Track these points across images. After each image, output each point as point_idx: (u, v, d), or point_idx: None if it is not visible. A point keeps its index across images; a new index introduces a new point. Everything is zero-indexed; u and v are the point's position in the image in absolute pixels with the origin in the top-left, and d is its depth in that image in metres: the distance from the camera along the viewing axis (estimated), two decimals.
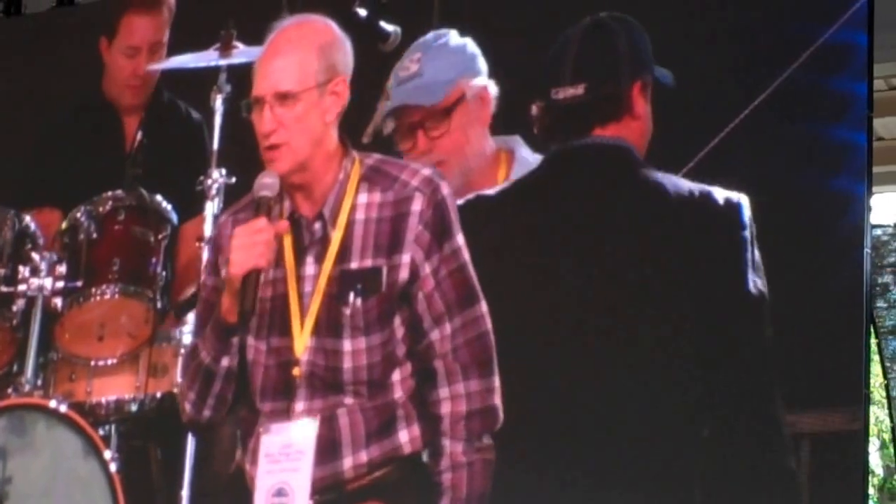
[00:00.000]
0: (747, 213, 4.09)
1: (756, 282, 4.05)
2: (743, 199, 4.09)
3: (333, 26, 3.43)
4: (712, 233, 4.14)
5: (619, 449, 4.08)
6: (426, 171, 3.35)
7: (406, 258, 3.30)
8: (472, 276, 3.38)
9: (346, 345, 3.28)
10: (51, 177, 5.38)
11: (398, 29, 4.61)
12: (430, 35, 4.37)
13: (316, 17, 3.46)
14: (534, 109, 4.31)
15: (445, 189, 3.34)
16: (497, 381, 3.38)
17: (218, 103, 4.87)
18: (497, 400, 3.37)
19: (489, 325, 3.39)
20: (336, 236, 3.31)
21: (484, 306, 3.39)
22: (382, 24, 4.62)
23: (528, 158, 4.29)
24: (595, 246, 4.23)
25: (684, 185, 4.16)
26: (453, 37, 4.31)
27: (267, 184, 3.29)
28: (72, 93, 5.46)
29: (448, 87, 4.18)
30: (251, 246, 3.20)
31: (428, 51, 3.48)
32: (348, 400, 3.30)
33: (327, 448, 3.24)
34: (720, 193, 4.11)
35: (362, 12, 4.62)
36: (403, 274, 3.29)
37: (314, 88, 3.30)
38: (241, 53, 4.90)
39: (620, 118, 4.25)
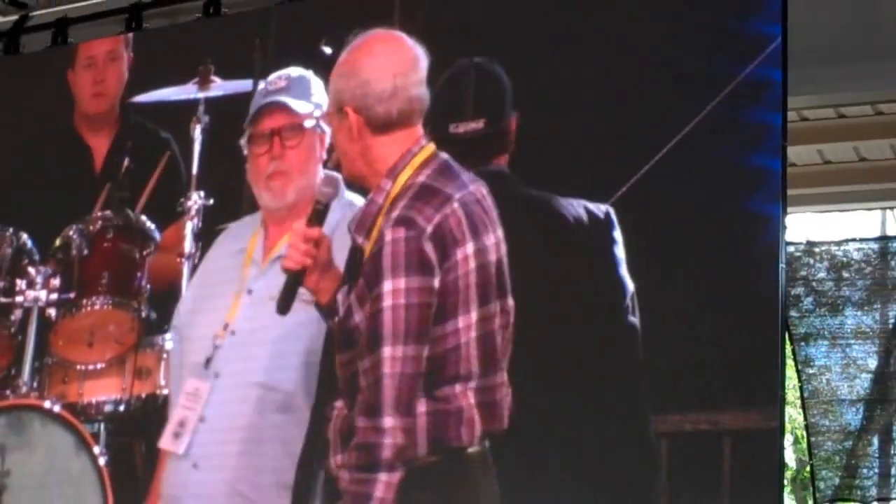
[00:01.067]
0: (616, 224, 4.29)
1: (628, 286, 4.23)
2: (611, 210, 4.28)
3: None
4: (593, 241, 4.32)
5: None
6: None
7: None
8: (387, 323, 3.36)
9: None
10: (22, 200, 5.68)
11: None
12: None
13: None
14: None
15: (387, 236, 3.38)
16: (387, 423, 3.39)
17: (197, 132, 5.17)
18: (380, 439, 3.37)
19: (388, 370, 3.40)
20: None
21: (387, 352, 3.38)
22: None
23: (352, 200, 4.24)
24: None
25: (561, 201, 4.33)
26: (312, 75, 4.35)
27: None
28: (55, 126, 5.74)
29: (309, 108, 4.14)
30: None
31: (293, 75, 3.62)
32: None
33: None
34: (591, 206, 4.30)
35: (328, 50, 4.66)
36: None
37: None
38: (218, 87, 5.21)
39: (508, 149, 4.44)
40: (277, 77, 3.51)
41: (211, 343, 3.44)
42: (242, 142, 3.51)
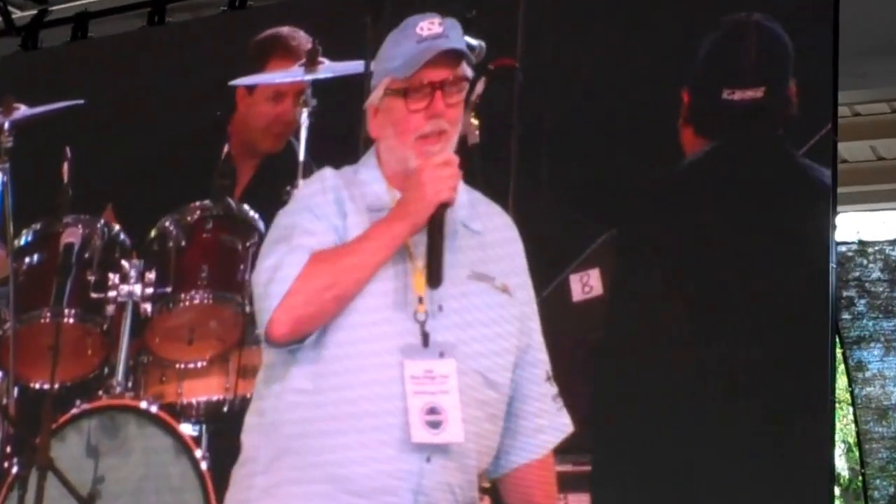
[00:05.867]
0: None
1: None
2: None
3: None
4: None
5: None
6: None
7: None
8: None
9: None
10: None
11: (482, 43, 4.69)
12: None
13: None
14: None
15: None
16: None
17: (304, 117, 5.00)
18: None
19: None
20: None
21: None
22: (467, 38, 4.70)
23: None
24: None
25: None
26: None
27: None
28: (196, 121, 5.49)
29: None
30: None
31: (445, 20, 3.33)
32: None
33: None
34: None
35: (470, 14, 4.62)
36: None
37: None
38: (327, 69, 5.03)
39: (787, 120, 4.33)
40: (429, 22, 3.14)
41: (412, 322, 3.04)
42: (374, 99, 3.14)
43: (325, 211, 3.03)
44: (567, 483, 4.31)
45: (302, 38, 5.25)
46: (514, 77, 4.67)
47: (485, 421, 3.10)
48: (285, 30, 5.32)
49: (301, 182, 4.91)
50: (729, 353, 4.19)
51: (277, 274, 2.91)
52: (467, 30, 4.67)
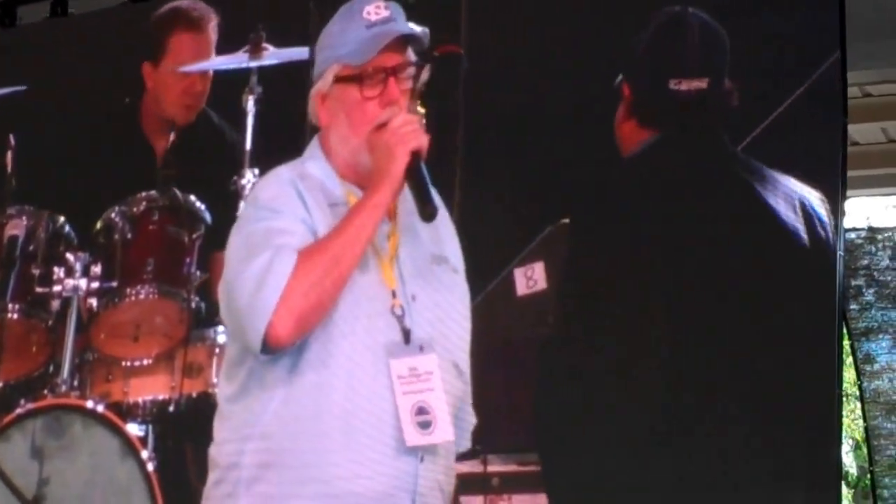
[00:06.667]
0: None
1: None
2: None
3: None
4: None
5: None
6: None
7: None
8: None
9: None
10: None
11: (426, 30, 4.59)
12: None
13: None
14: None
15: None
16: None
17: (250, 104, 4.89)
18: None
19: None
20: None
21: None
22: (411, 25, 4.60)
23: None
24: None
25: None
26: None
27: None
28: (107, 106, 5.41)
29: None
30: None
31: (388, 4, 3.25)
32: None
33: None
34: None
35: None
36: None
37: None
38: (272, 55, 4.92)
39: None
40: (375, 6, 3.05)
41: (389, 316, 2.98)
42: (323, 86, 3.04)
43: (294, 209, 2.95)
44: (511, 483, 4.26)
45: (203, 9, 5.22)
46: (460, 64, 4.57)
47: (455, 410, 3.09)
48: (185, 2, 5.27)
49: (248, 174, 4.82)
50: (710, 348, 4.13)
51: (268, 279, 2.84)
52: (410, 16, 4.58)
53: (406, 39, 3.08)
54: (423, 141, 2.98)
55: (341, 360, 2.94)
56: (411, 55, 3.07)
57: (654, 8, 4.37)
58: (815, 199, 4.07)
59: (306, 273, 2.85)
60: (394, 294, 3.00)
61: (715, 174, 4.23)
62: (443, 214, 3.16)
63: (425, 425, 2.94)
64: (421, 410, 2.94)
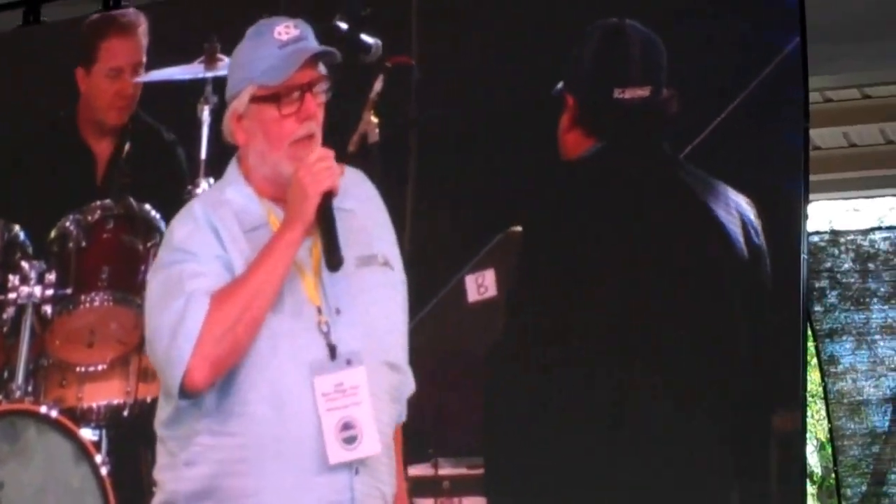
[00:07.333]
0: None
1: None
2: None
3: None
4: None
5: None
6: None
7: None
8: None
9: None
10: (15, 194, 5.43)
11: (378, 42, 4.67)
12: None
13: None
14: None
15: None
16: None
17: (205, 114, 4.94)
18: None
19: None
20: None
21: None
22: (363, 36, 4.67)
23: None
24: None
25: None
26: None
27: None
28: (42, 115, 5.49)
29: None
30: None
31: (300, 22, 3.30)
32: None
33: None
34: None
35: (343, 25, 4.65)
36: None
37: None
38: (226, 66, 4.96)
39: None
40: (284, 26, 3.10)
41: (316, 333, 3.01)
42: (238, 106, 3.09)
43: (207, 247, 2.99)
44: (461, 486, 4.31)
45: (132, 14, 5.34)
46: (411, 74, 4.65)
47: (394, 403, 3.13)
48: (117, 10, 5.42)
49: (203, 182, 4.88)
50: (668, 353, 4.18)
51: (182, 327, 2.87)
52: (362, 27, 4.66)
53: (317, 56, 3.13)
54: (334, 181, 3.01)
55: (265, 385, 2.97)
56: (322, 69, 3.11)
57: (596, 18, 4.45)
58: (747, 206, 4.15)
59: (218, 320, 2.89)
60: (319, 311, 3.03)
61: (659, 180, 4.29)
62: (373, 205, 3.24)
63: (351, 440, 2.96)
64: (346, 426, 2.96)
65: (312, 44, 3.13)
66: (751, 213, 4.13)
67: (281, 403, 2.95)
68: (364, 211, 3.18)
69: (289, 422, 2.95)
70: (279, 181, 3.05)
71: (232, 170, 3.16)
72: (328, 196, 2.99)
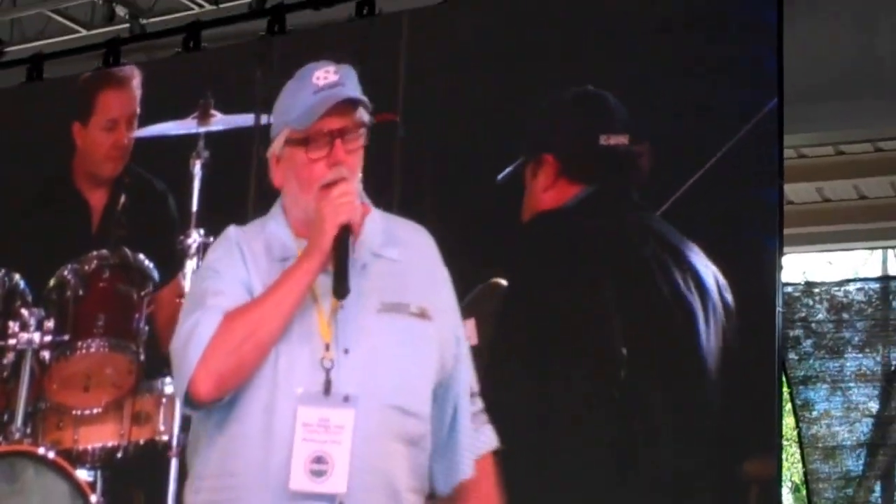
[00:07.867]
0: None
1: None
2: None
3: None
4: None
5: None
6: None
7: None
8: None
9: None
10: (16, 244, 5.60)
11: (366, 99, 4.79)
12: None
13: None
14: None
15: None
16: None
17: (197, 168, 5.12)
18: None
19: None
20: None
21: None
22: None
23: None
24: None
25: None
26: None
27: None
28: (40, 168, 5.68)
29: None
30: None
31: (340, 67, 3.35)
32: None
33: None
34: None
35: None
36: None
37: None
38: (219, 121, 5.15)
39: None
40: (324, 71, 3.17)
41: (318, 367, 3.09)
42: (276, 148, 3.21)
43: (233, 269, 3.04)
44: None
45: (127, 69, 5.53)
46: (396, 131, 4.79)
47: (409, 445, 3.09)
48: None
49: (194, 232, 5.04)
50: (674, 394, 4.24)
51: (193, 337, 2.92)
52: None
53: (354, 103, 3.12)
54: (353, 215, 3.03)
55: (259, 411, 2.99)
56: (361, 115, 3.10)
57: (574, 84, 4.61)
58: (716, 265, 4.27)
59: (227, 336, 2.92)
60: (327, 347, 3.04)
61: (631, 228, 4.43)
62: (424, 258, 3.23)
63: (319, 473, 2.95)
64: (318, 459, 2.94)
65: (348, 90, 3.11)
66: (719, 272, 4.24)
67: (271, 431, 2.98)
68: (410, 262, 3.18)
69: (277, 448, 2.97)
70: (311, 223, 3.09)
71: (276, 206, 3.21)
72: (344, 229, 3.02)
